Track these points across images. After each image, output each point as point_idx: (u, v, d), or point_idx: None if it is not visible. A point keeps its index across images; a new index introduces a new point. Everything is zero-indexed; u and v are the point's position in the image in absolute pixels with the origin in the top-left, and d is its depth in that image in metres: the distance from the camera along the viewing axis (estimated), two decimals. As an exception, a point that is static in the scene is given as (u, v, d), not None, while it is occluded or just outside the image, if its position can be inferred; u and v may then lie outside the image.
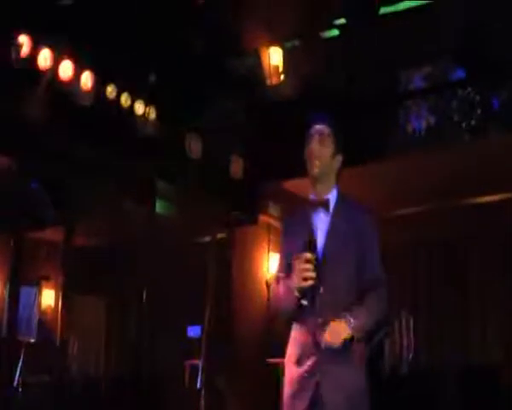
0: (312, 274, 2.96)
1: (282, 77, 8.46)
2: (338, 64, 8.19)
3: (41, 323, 9.68)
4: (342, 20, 8.16)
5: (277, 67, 8.46)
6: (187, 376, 9.48)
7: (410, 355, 7.60)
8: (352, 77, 8.18)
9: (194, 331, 9.78)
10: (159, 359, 10.03)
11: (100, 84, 7.17)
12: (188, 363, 9.37)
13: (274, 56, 8.54)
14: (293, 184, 8.00)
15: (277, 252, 9.17)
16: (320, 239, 3.13)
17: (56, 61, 6.74)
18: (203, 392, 5.19)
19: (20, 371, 6.93)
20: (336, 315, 2.97)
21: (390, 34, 7.80)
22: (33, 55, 6.52)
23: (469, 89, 7.75)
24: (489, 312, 9.08)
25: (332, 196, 3.28)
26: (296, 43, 8.67)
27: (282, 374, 7.72)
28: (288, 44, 8.65)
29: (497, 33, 7.34)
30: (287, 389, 3.16)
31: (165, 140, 7.88)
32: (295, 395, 3.09)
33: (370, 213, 3.27)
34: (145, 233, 9.21)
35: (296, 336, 3.18)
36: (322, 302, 3.01)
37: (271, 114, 8.33)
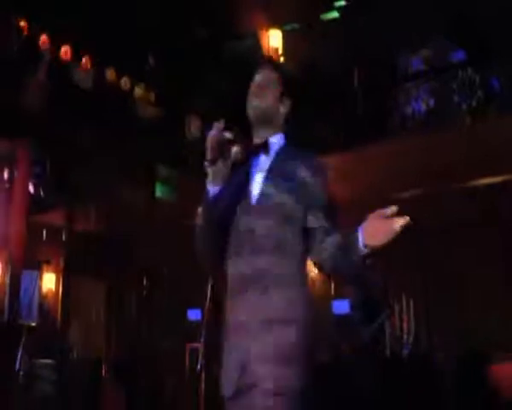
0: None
1: (281, 59, 8.46)
2: (337, 46, 8.17)
3: (42, 306, 9.72)
4: (342, 2, 8.15)
5: (277, 50, 8.45)
6: (187, 359, 9.52)
7: (411, 338, 7.63)
8: (352, 59, 8.17)
9: (194, 314, 9.81)
10: (159, 341, 10.07)
11: (100, 68, 7.17)
12: (188, 346, 9.41)
13: (273, 39, 8.53)
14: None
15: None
16: (255, 184, 2.76)
17: (56, 46, 6.73)
18: (203, 375, 5.21)
19: (22, 355, 6.95)
20: (260, 258, 2.62)
21: (390, 17, 7.79)
22: (33, 40, 6.52)
23: (469, 70, 7.73)
24: (488, 295, 9.10)
25: (275, 140, 2.85)
26: (296, 25, 8.65)
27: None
28: (288, 27, 8.64)
29: (497, 15, 7.32)
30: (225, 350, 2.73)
31: (165, 123, 7.88)
32: (227, 362, 2.67)
33: (319, 160, 2.82)
34: (145, 216, 9.22)
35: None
36: (253, 245, 2.66)
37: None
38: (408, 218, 2.50)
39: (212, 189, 2.75)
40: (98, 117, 7.30)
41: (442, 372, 6.87)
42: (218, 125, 2.70)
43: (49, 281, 10.00)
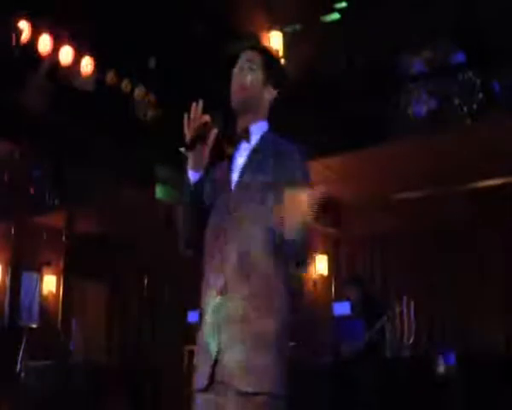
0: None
1: (282, 61, 8.45)
2: (338, 48, 8.17)
3: (43, 308, 9.72)
4: (343, 4, 8.15)
5: (278, 52, 8.45)
6: (186, 361, 9.51)
7: (411, 339, 7.62)
8: (353, 61, 8.17)
9: (195, 317, 9.80)
10: (160, 343, 10.06)
11: (100, 69, 7.17)
12: (187, 349, 9.40)
13: (274, 40, 8.53)
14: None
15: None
16: (234, 173, 2.64)
17: (56, 47, 6.73)
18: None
19: (23, 357, 6.95)
20: (241, 248, 2.48)
21: (391, 18, 7.79)
22: (33, 41, 6.51)
23: (470, 73, 7.72)
24: (489, 297, 9.10)
25: (256, 128, 2.70)
26: (297, 27, 8.65)
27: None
28: (289, 28, 8.64)
29: (497, 17, 7.32)
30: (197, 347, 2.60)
31: (166, 124, 7.88)
32: (199, 355, 2.54)
33: (299, 147, 2.64)
34: (146, 217, 9.22)
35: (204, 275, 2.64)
36: (229, 235, 2.53)
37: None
38: None
39: (193, 175, 2.61)
40: (98, 119, 7.29)
41: (443, 374, 6.86)
42: (196, 107, 2.54)
43: (50, 283, 10.00)
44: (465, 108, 7.64)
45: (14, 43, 6.30)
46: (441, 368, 6.86)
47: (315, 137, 7.54)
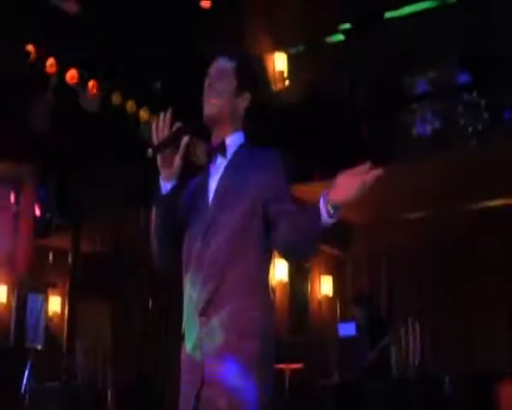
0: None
1: (286, 82, 8.49)
2: (343, 69, 8.21)
3: (48, 329, 9.71)
4: (347, 25, 8.19)
5: (282, 73, 8.49)
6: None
7: (417, 360, 7.60)
8: (356, 81, 8.20)
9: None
10: (164, 362, 10.04)
11: (106, 91, 7.22)
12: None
13: (278, 62, 8.57)
14: (296, 189, 7.91)
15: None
16: (212, 186, 2.55)
17: (63, 70, 6.79)
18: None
19: (28, 378, 6.94)
20: (219, 264, 2.43)
21: (395, 39, 7.82)
22: (40, 64, 6.57)
23: (475, 93, 7.75)
24: (495, 317, 9.07)
25: (232, 140, 2.61)
26: (301, 48, 8.70)
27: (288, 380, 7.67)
28: (293, 50, 8.68)
29: (503, 37, 7.35)
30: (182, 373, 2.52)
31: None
32: (186, 380, 2.47)
33: (276, 153, 2.56)
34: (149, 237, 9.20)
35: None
36: (208, 249, 2.46)
37: (276, 119, 8.35)
38: (381, 170, 2.37)
39: (165, 185, 2.52)
40: (104, 140, 7.33)
41: (448, 394, 6.83)
42: (165, 116, 2.48)
43: (55, 304, 10.00)
44: (470, 129, 7.66)
45: (21, 66, 6.36)
46: (447, 389, 6.84)
47: (318, 157, 7.56)
